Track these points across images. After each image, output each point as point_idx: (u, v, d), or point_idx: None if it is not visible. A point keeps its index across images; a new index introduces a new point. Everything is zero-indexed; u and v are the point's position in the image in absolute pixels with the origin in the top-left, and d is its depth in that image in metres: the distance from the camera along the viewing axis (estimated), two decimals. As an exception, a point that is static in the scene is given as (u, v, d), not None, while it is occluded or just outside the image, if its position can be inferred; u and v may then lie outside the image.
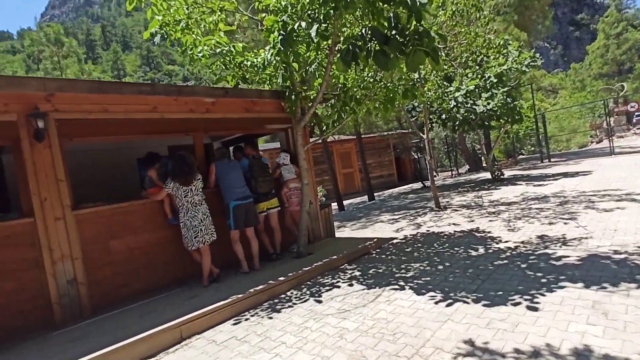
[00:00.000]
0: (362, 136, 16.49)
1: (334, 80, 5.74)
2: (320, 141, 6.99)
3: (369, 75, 5.58)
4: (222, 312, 3.96)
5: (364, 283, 4.43)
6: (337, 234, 8.02)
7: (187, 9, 4.88)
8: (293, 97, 5.53)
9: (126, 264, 4.60)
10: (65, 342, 3.57)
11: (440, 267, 4.62)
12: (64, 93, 4.18)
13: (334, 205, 13.18)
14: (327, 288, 4.44)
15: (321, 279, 4.82)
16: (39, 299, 3.98)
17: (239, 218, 5.11)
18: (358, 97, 5.58)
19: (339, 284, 4.54)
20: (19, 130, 3.95)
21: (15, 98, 3.92)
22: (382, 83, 5.62)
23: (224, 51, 4.77)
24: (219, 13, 5.11)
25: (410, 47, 3.66)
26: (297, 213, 5.89)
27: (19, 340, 3.81)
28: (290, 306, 4.05)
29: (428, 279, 4.26)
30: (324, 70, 5.39)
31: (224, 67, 5.23)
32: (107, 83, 4.30)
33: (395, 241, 6.42)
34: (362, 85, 5.57)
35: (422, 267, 4.71)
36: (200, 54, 4.77)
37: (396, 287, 4.16)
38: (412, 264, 4.90)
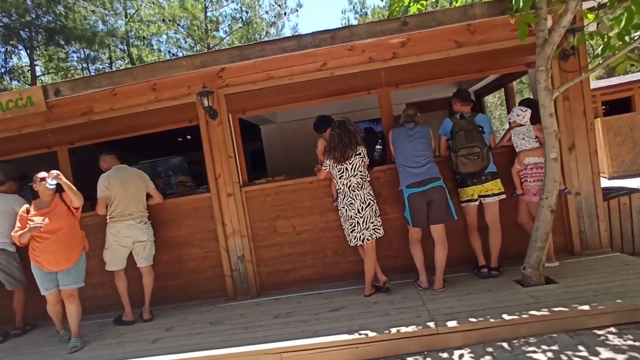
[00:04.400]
0: None
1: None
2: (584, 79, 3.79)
3: None
4: (340, 353, 2.81)
5: (616, 406, 1.94)
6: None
7: None
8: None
9: (292, 247, 4.19)
10: (207, 323, 3.60)
11: None
12: (231, 65, 4.03)
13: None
14: (525, 377, 2.28)
15: (532, 347, 2.58)
16: (218, 268, 4.25)
17: (417, 211, 3.51)
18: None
19: (556, 377, 2.24)
20: (197, 110, 4.15)
21: (194, 79, 4.09)
22: None
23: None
24: None
25: None
26: (536, 206, 3.48)
27: (200, 302, 4.26)
28: (430, 387, 2.34)
29: None
30: None
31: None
32: (247, 46, 3.76)
33: None
34: None
35: None
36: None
37: None
38: None
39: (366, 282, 3.67)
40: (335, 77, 4.03)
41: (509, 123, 3.81)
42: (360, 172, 3.56)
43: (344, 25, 3.64)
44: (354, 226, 3.55)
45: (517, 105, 3.75)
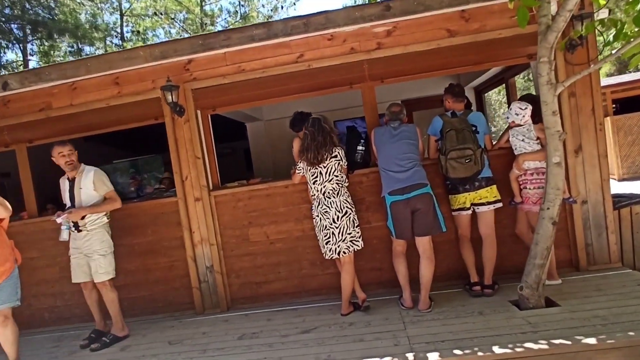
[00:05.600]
0: None
1: None
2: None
3: None
4: (301, 387, 2.43)
5: None
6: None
7: None
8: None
9: (265, 257, 3.81)
10: (166, 342, 3.24)
11: None
12: (200, 57, 3.66)
13: None
14: None
15: (526, 389, 2.17)
16: (185, 279, 3.88)
17: (400, 221, 3.11)
18: None
19: None
20: (163, 106, 3.77)
21: (158, 72, 3.71)
22: None
23: None
24: None
25: None
26: (536, 216, 3.06)
27: (166, 315, 3.90)
28: None
29: None
30: None
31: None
32: (211, 35, 3.37)
33: None
34: None
35: None
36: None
37: None
38: None
39: (343, 300, 3.28)
40: (313, 69, 3.63)
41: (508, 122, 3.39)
42: (337, 176, 3.16)
43: (319, 11, 3.21)
44: (329, 237, 3.16)
45: (516, 101, 3.32)
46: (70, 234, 3.30)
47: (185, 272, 3.87)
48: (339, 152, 3.19)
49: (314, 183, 3.20)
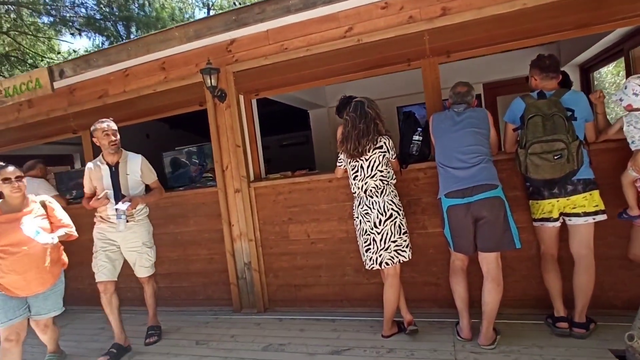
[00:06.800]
0: None
1: None
2: None
3: None
4: None
5: None
6: None
7: None
8: None
9: (305, 258, 3.43)
10: (193, 341, 3.07)
11: None
12: (241, 37, 3.39)
13: None
14: None
15: None
16: (224, 274, 3.70)
17: (459, 231, 2.47)
18: None
19: None
20: (205, 91, 3.57)
21: (201, 55, 3.51)
22: None
23: None
24: None
25: None
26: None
27: (205, 308, 3.78)
28: None
29: None
30: None
31: None
32: (244, 9, 2.99)
33: None
34: None
35: None
36: None
37: None
38: None
39: (385, 319, 2.76)
40: (364, 45, 3.10)
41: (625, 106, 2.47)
42: (381, 172, 2.63)
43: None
44: (369, 244, 2.65)
45: (634, 76, 2.40)
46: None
47: (224, 267, 3.69)
48: (384, 143, 2.64)
49: (354, 178, 2.71)
